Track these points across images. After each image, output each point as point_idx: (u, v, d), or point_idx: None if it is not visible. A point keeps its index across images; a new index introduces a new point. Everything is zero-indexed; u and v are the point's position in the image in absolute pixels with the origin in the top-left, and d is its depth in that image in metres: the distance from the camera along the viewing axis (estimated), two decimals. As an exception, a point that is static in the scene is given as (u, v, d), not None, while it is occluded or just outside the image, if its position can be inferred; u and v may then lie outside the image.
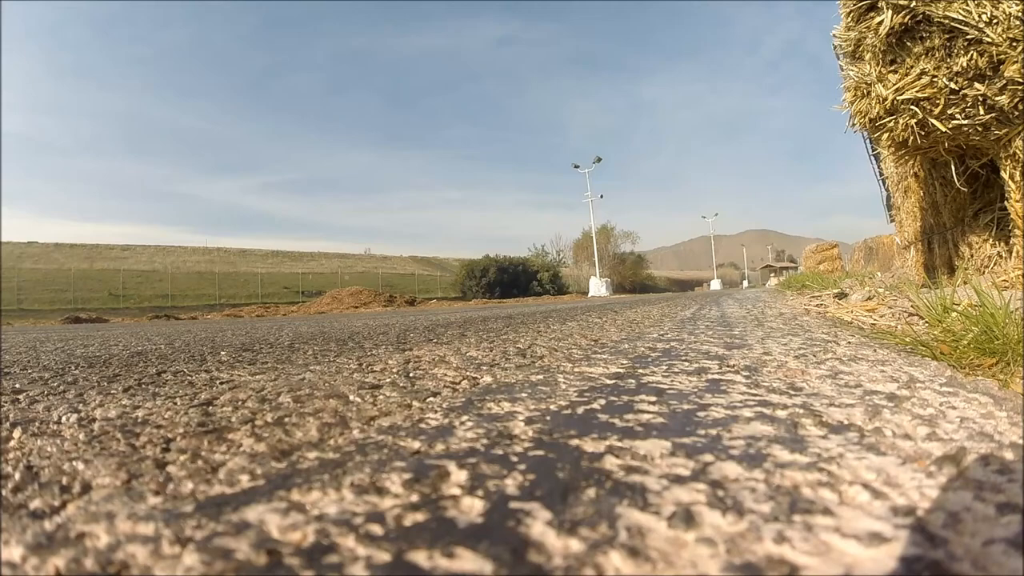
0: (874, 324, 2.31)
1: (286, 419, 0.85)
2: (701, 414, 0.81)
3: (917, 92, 3.41)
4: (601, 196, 35.19)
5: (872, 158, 10.34)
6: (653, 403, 0.88)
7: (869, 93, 3.72)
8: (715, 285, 43.73)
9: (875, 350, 1.40)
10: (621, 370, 1.22)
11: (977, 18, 3.11)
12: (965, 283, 2.29)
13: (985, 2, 3.10)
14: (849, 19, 3.80)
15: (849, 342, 1.57)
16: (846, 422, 0.75)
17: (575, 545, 0.42)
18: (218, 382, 1.20)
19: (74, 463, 0.67)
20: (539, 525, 0.46)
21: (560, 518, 0.47)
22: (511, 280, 34.47)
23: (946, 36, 3.27)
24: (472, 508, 0.50)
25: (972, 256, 4.38)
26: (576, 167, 34.15)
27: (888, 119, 3.63)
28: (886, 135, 3.74)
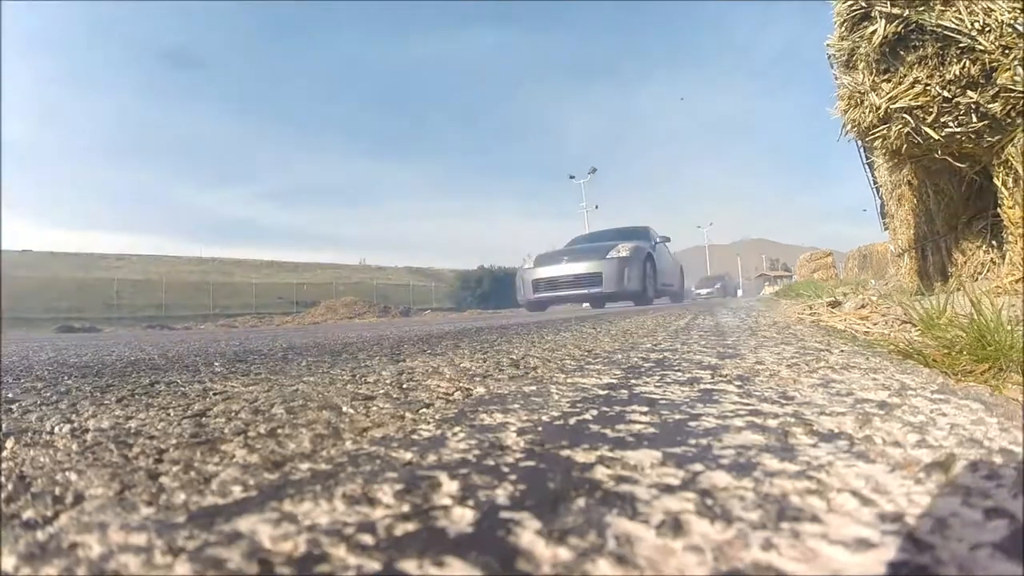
0: (867, 332, 2.32)
1: (279, 430, 0.85)
2: (692, 424, 0.81)
3: (910, 100, 3.43)
4: (596, 207, 35.23)
5: (866, 166, 10.39)
6: (645, 413, 0.89)
7: (862, 102, 3.74)
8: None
9: (867, 358, 1.41)
10: (614, 381, 1.22)
11: (970, 26, 3.14)
12: (959, 290, 2.30)
13: (977, 10, 3.12)
14: (843, 28, 3.83)
15: (842, 350, 1.58)
16: (836, 430, 0.76)
17: (564, 554, 0.43)
18: (211, 393, 1.20)
19: (67, 473, 0.67)
20: (528, 534, 0.46)
21: (549, 527, 0.47)
22: (506, 290, 34.42)
23: (939, 45, 3.30)
24: (463, 518, 0.50)
25: (966, 263, 4.40)
26: (572, 177, 34.21)
27: (881, 127, 3.65)
28: (880, 143, 3.77)
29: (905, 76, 3.44)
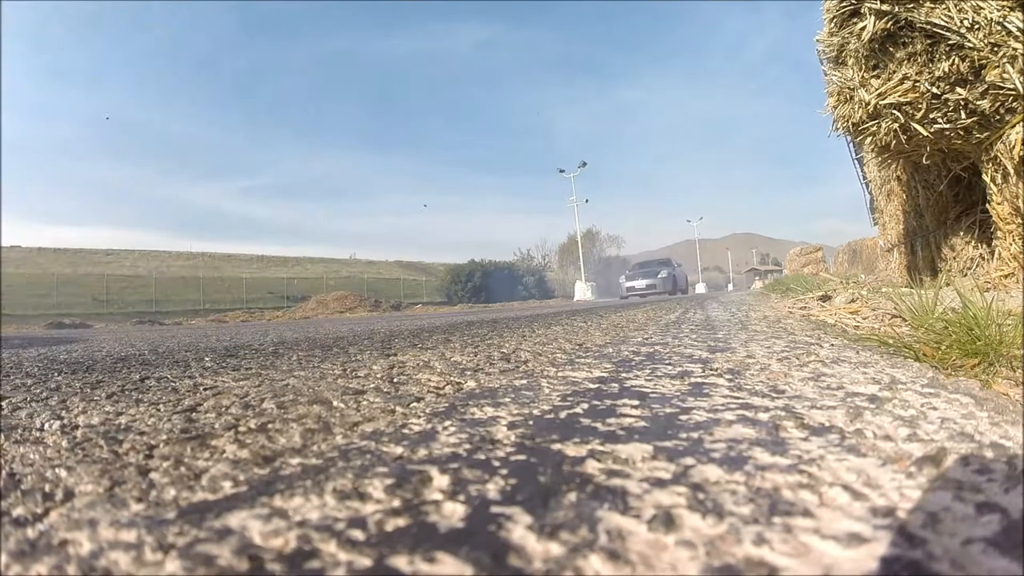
0: (857, 326, 2.32)
1: (269, 425, 0.84)
2: (683, 417, 0.81)
3: (899, 97, 3.44)
4: (587, 200, 35.26)
5: (856, 162, 10.43)
6: (636, 407, 0.89)
7: (852, 98, 3.75)
8: (700, 288, 43.70)
9: (857, 352, 1.41)
10: (604, 374, 1.22)
11: (959, 23, 3.15)
12: (948, 285, 2.31)
13: (967, 8, 3.13)
14: (832, 25, 3.83)
15: (832, 344, 1.58)
16: (827, 424, 0.76)
17: (555, 549, 0.42)
18: (202, 388, 1.19)
19: (57, 470, 0.66)
20: (520, 529, 0.46)
21: (541, 522, 0.47)
22: (497, 284, 34.44)
23: (928, 41, 3.30)
24: (454, 513, 0.50)
25: (955, 258, 4.42)
26: (561, 171, 34.13)
27: (871, 123, 3.66)
28: (869, 139, 3.78)
29: (894, 72, 3.45)
